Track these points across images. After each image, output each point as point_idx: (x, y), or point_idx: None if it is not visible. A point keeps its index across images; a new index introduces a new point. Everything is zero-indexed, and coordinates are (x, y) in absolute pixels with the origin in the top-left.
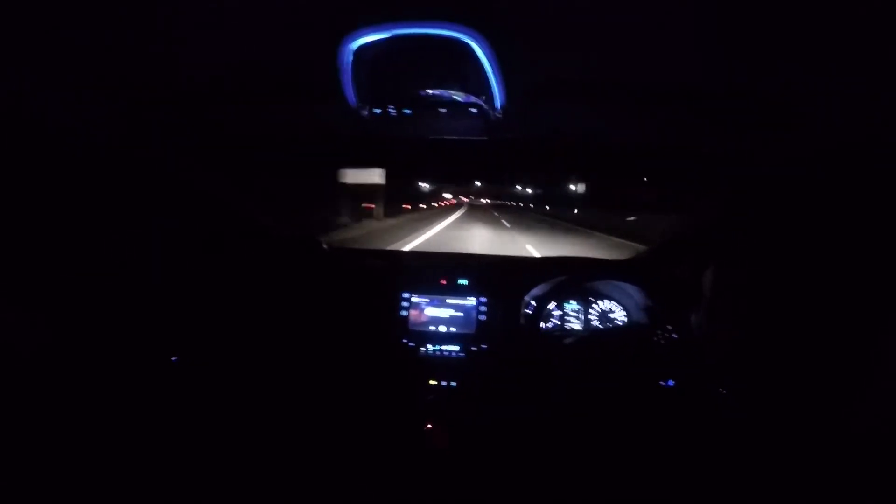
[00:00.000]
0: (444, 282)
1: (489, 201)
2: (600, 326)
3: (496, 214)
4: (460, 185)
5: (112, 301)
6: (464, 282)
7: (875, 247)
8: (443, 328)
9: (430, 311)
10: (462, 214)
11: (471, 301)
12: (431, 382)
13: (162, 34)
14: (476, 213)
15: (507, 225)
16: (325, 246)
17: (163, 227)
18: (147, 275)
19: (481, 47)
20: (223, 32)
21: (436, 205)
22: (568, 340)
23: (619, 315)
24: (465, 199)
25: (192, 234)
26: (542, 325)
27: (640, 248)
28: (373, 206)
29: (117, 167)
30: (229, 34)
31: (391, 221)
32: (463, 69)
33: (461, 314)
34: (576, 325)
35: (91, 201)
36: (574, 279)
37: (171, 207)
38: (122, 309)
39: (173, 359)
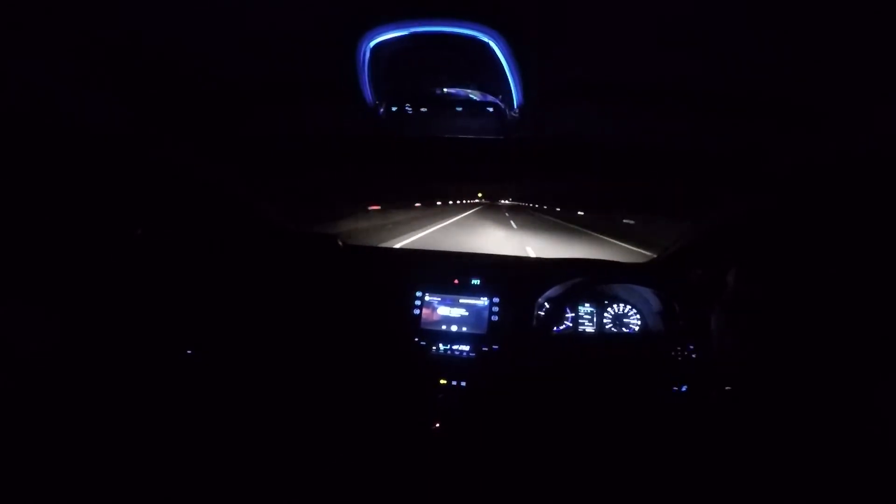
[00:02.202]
0: (456, 281)
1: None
2: (614, 330)
3: (507, 215)
4: (480, 184)
5: (130, 296)
6: (476, 281)
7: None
8: (454, 328)
9: (443, 311)
10: (476, 210)
11: (483, 301)
12: (441, 382)
13: (182, 34)
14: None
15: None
16: (340, 243)
17: (179, 225)
18: (164, 271)
19: (500, 47)
20: (241, 30)
21: (460, 202)
22: (581, 344)
23: (634, 319)
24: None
25: (208, 232)
26: (555, 327)
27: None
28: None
29: (136, 166)
30: (247, 32)
31: (429, 210)
32: (480, 69)
33: (473, 314)
34: (589, 328)
35: (109, 200)
36: (589, 281)
37: (188, 206)
38: (140, 303)
39: (188, 351)
